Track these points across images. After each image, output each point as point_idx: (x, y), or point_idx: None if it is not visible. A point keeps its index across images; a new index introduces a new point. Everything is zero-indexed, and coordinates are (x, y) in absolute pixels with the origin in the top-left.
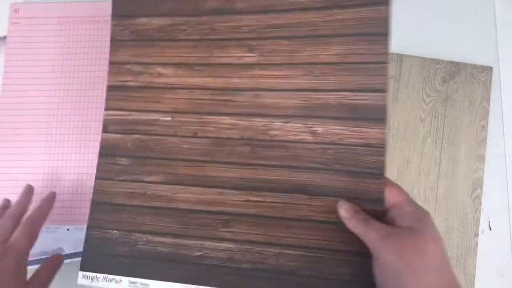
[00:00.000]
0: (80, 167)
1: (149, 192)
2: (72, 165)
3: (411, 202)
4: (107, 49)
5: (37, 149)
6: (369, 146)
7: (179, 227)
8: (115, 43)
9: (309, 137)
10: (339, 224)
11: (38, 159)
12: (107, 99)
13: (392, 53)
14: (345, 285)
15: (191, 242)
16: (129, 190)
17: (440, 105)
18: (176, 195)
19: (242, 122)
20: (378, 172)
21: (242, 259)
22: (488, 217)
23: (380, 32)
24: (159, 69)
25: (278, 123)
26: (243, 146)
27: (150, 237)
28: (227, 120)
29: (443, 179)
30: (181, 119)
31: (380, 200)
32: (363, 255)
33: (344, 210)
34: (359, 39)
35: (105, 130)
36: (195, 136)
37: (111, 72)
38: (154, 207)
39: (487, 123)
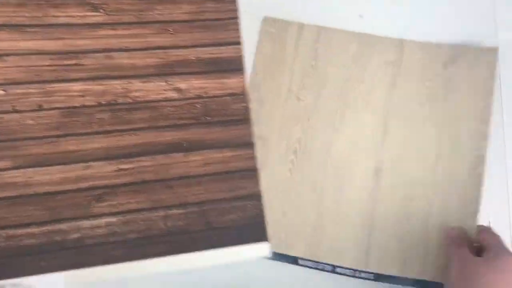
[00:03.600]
0: None
1: None
2: None
3: None
4: None
5: None
6: (233, 95)
7: (46, 213)
8: None
9: (174, 94)
10: (219, 175)
11: None
12: None
13: (392, 38)
14: (237, 230)
15: (64, 226)
16: None
17: (441, 89)
18: (33, 179)
19: (96, 87)
20: (245, 118)
21: (126, 231)
22: (488, 215)
23: None
24: None
25: (138, 84)
26: (102, 112)
27: (12, 231)
28: (77, 86)
29: (441, 162)
30: (18, 91)
31: (251, 144)
32: (247, 198)
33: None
34: None
35: None
36: (40, 109)
37: None
38: (8, 198)
39: (490, 106)
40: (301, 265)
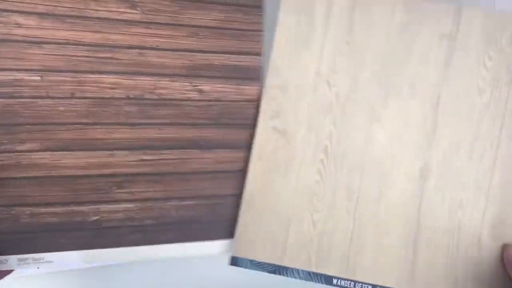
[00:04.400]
0: None
1: (24, 162)
2: None
3: None
4: None
5: None
6: (248, 102)
7: (69, 194)
8: None
9: (196, 95)
10: (230, 173)
11: None
12: None
13: (449, 5)
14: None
15: (85, 208)
16: None
17: (506, 71)
18: (60, 161)
19: (126, 81)
20: (253, 123)
21: (143, 217)
22: None
23: (255, 4)
24: (18, 18)
25: (165, 82)
26: (130, 105)
27: (36, 209)
28: (109, 79)
29: (500, 164)
30: (53, 78)
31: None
32: None
33: None
34: (237, 9)
35: None
36: (72, 97)
37: None
38: (35, 177)
39: None
40: (336, 285)
